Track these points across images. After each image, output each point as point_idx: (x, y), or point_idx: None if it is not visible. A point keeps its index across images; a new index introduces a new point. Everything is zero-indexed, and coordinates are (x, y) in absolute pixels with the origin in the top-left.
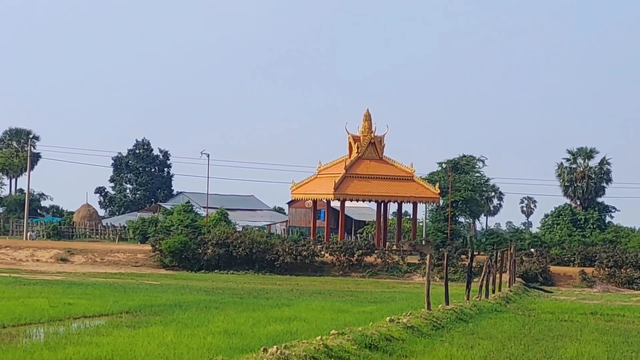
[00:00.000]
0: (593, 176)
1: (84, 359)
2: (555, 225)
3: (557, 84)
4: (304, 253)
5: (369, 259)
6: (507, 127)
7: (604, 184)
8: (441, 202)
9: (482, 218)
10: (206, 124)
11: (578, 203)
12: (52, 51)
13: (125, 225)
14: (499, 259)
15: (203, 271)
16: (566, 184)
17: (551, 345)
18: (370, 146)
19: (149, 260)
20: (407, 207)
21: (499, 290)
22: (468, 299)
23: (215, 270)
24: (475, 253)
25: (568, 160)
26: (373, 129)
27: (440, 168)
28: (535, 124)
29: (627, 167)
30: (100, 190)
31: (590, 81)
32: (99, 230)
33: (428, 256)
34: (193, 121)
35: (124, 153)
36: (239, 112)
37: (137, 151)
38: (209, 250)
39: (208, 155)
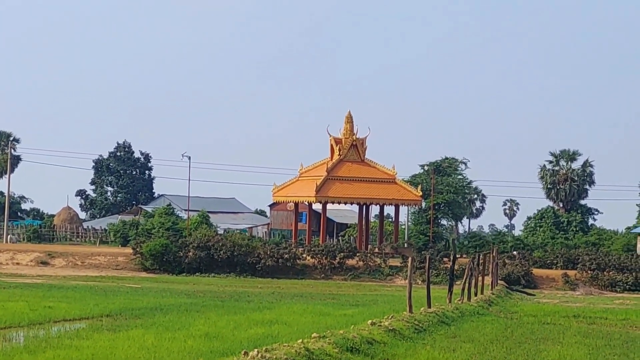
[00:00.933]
0: (576, 178)
1: None
2: (538, 228)
3: (541, 86)
4: (286, 256)
5: (350, 262)
6: (489, 129)
7: (587, 187)
8: (423, 204)
9: (465, 221)
10: (187, 127)
11: (561, 205)
12: (33, 53)
13: (106, 228)
14: (481, 261)
15: (184, 274)
16: (549, 186)
17: (533, 348)
18: (352, 148)
19: (129, 263)
20: (389, 210)
21: (481, 293)
22: (450, 302)
23: (197, 274)
24: (457, 256)
25: (551, 162)
26: (355, 131)
27: (422, 170)
28: (518, 126)
29: (610, 169)
30: (81, 193)
31: (574, 83)
32: (80, 233)
33: (410, 259)
34: (174, 123)
35: (105, 155)
36: (220, 114)
37: (118, 154)
38: (190, 253)
39: (189, 158)
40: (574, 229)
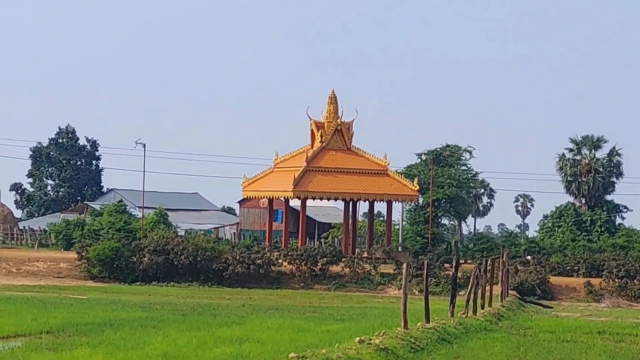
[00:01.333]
0: (601, 170)
1: None
2: (557, 228)
3: (558, 62)
4: (258, 261)
5: (335, 269)
6: (498, 113)
7: (614, 179)
8: (421, 200)
9: (470, 220)
10: (142, 108)
11: (583, 202)
12: None
13: (46, 228)
14: (489, 268)
15: (138, 283)
16: (569, 178)
17: None
18: (336, 134)
19: (74, 270)
20: (381, 207)
21: (489, 305)
22: (452, 315)
23: (153, 282)
24: (461, 261)
25: (571, 150)
26: (339, 114)
27: (419, 160)
28: (532, 109)
29: None
30: (16, 187)
31: (597, 58)
32: (15, 235)
33: (405, 265)
34: (126, 105)
35: (45, 143)
36: (180, 94)
37: (60, 140)
38: (146, 259)
39: (144, 146)
40: (599, 230)
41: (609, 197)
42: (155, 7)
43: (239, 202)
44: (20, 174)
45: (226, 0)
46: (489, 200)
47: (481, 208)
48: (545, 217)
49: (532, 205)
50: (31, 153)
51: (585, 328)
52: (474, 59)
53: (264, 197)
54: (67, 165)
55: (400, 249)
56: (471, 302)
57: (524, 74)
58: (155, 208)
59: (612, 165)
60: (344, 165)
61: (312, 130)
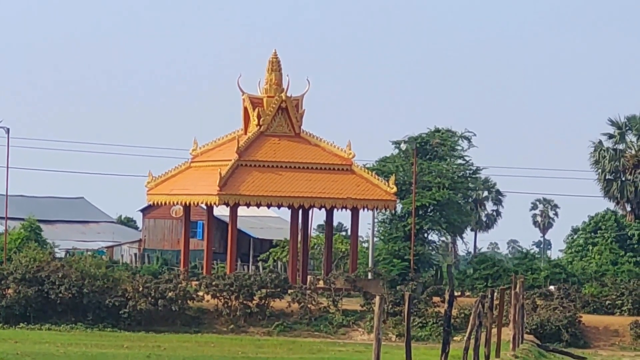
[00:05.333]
0: None
1: None
2: (591, 247)
3: (591, 16)
4: (170, 294)
5: (278, 304)
6: (507, 84)
7: None
8: (399, 207)
9: (469, 235)
10: (5, 80)
11: (628, 209)
12: None
13: None
14: (496, 302)
15: (0, 325)
16: (608, 176)
17: None
18: (279, 114)
19: None
20: (343, 217)
21: (497, 355)
22: None
23: (21, 324)
24: (456, 293)
25: (611, 137)
26: (284, 86)
27: (397, 150)
28: (555, 79)
29: None
30: None
31: None
32: None
33: (377, 299)
34: None
35: None
36: (59, 62)
37: None
38: (10, 291)
39: (8, 131)
40: None
41: None
42: None
43: (141, 210)
44: None
45: None
46: (495, 208)
47: (484, 218)
48: (575, 231)
49: (555, 214)
50: None
51: None
52: (475, 13)
53: (177, 204)
54: None
55: (370, 276)
56: (471, 351)
57: (543, 31)
58: (23, 219)
59: None
60: (291, 158)
61: (245, 109)
